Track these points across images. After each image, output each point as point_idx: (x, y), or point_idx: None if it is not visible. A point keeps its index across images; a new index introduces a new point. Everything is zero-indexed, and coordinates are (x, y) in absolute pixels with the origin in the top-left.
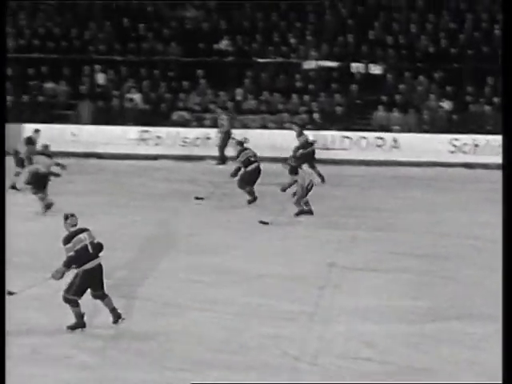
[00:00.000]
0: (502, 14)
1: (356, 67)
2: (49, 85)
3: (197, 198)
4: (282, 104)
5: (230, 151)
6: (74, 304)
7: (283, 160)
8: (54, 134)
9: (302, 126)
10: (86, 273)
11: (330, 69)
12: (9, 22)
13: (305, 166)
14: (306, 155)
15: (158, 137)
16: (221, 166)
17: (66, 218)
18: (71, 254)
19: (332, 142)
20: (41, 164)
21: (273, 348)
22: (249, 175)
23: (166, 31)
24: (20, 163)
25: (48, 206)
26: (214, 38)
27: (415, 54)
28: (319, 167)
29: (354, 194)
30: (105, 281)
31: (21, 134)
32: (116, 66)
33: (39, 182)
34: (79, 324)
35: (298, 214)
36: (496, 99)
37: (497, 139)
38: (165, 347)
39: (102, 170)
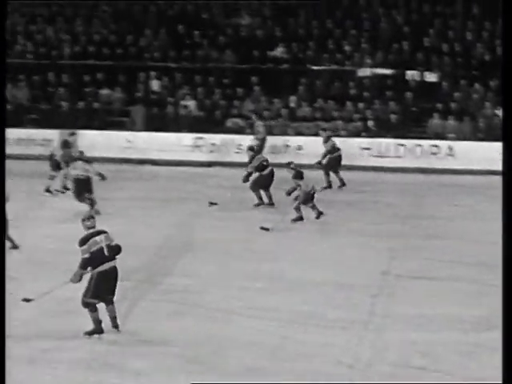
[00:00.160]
0: (502, 14)
1: (411, 75)
2: (104, 91)
3: (211, 204)
4: (337, 111)
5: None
6: (93, 308)
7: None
8: (109, 141)
9: (333, 131)
10: (100, 275)
11: (385, 76)
12: (64, 29)
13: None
14: (332, 160)
15: (213, 144)
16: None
17: (84, 219)
18: (86, 256)
19: (387, 149)
20: (79, 169)
21: (326, 356)
22: (264, 179)
23: (220, 38)
24: (55, 167)
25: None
26: (269, 46)
27: (471, 61)
28: (374, 174)
29: (408, 202)
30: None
31: (75, 140)
32: (171, 72)
33: (80, 187)
34: (97, 330)
35: (295, 220)
36: None
37: None
38: (217, 354)
39: (155, 176)
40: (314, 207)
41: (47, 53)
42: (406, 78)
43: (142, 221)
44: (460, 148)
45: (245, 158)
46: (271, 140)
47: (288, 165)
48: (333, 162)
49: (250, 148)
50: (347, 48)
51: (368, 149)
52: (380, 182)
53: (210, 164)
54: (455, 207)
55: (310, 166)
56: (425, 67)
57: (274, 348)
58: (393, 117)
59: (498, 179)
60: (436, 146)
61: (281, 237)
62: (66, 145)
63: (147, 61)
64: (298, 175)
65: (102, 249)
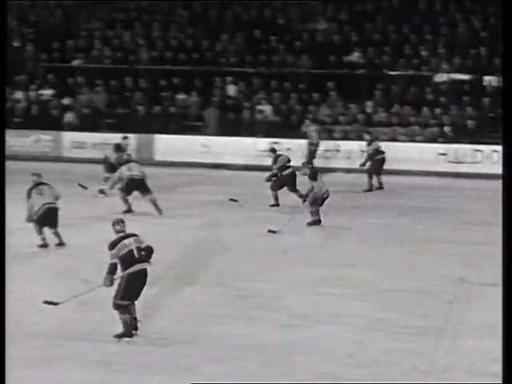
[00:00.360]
0: (502, 14)
1: (488, 80)
2: (180, 96)
3: (231, 200)
4: (413, 117)
5: (319, 163)
6: (124, 311)
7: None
8: (185, 145)
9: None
10: (130, 276)
11: (462, 82)
12: (141, 34)
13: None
14: (375, 163)
15: (288, 148)
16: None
17: (114, 223)
18: (113, 261)
19: (463, 155)
20: (134, 170)
21: (401, 362)
22: (284, 179)
23: (297, 43)
24: (110, 169)
25: (128, 211)
26: (345, 50)
27: None
28: (451, 180)
29: (484, 208)
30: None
31: (152, 145)
32: (247, 77)
33: (133, 187)
34: (126, 333)
35: (311, 224)
36: None
37: None
38: (292, 359)
39: (230, 181)
40: (316, 212)
41: (124, 58)
42: (484, 83)
43: (217, 225)
44: None
45: (320, 163)
46: (347, 145)
47: (304, 164)
48: (376, 165)
49: (271, 149)
50: (424, 53)
51: (444, 154)
52: (456, 188)
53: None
54: None
55: (385, 172)
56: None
57: (349, 354)
58: (470, 122)
59: None
60: None
61: (355, 243)
62: (118, 148)
63: (223, 66)
64: (313, 176)
65: (131, 251)
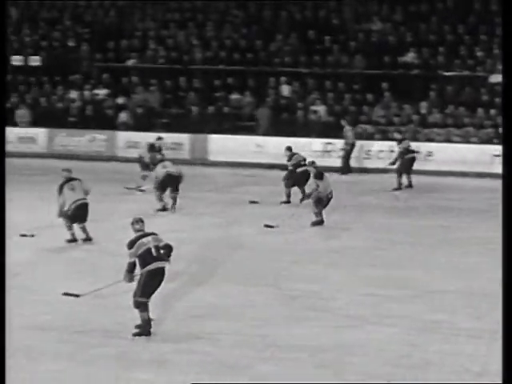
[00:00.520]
0: (502, 15)
1: None
2: (234, 96)
3: (252, 202)
4: (468, 118)
5: (354, 162)
6: (143, 308)
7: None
8: (239, 145)
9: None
10: (149, 273)
11: None
12: (196, 34)
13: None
14: (406, 162)
15: (342, 149)
16: (345, 176)
17: (133, 223)
18: (131, 260)
19: None
20: (169, 167)
21: (454, 365)
22: (297, 177)
23: (351, 44)
24: (145, 167)
25: (164, 208)
26: (400, 51)
27: None
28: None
29: None
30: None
31: (206, 145)
32: (301, 78)
33: (168, 183)
34: (145, 331)
35: (315, 224)
36: None
37: None
38: (344, 360)
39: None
40: (319, 213)
41: (179, 57)
42: None
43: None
44: None
45: (374, 164)
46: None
47: (310, 164)
48: (406, 164)
49: (288, 148)
50: (479, 54)
51: (500, 156)
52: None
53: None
54: None
55: (439, 173)
56: None
57: (401, 355)
58: None
59: None
60: None
61: (407, 244)
62: (152, 148)
63: (277, 66)
64: (319, 175)
65: (149, 249)
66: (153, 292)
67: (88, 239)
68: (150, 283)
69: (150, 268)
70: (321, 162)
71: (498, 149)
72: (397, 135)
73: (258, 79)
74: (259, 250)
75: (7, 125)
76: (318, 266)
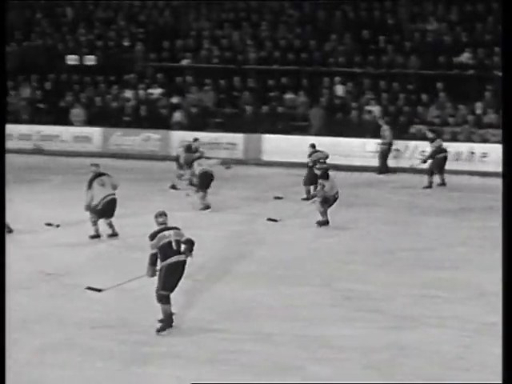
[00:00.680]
0: (502, 15)
1: None
2: (288, 96)
3: (276, 198)
4: None
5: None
6: (165, 301)
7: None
8: (292, 145)
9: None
10: (169, 266)
11: None
12: (250, 34)
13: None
14: (438, 161)
15: (397, 150)
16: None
17: (156, 216)
18: (153, 251)
19: None
20: (204, 165)
21: None
22: (313, 175)
23: (406, 44)
24: (181, 166)
25: (207, 207)
26: (455, 51)
27: None
28: None
29: None
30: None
31: (260, 145)
32: (355, 78)
33: (205, 180)
34: (167, 324)
35: (321, 224)
36: None
37: None
38: (397, 361)
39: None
40: (325, 212)
41: (233, 57)
42: None
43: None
44: None
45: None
46: (456, 147)
47: (316, 163)
48: (438, 163)
49: (311, 145)
50: None
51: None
52: None
53: (394, 170)
54: None
55: (494, 174)
56: None
57: (455, 357)
58: None
59: None
60: None
61: (457, 246)
62: (188, 149)
63: (332, 66)
64: (324, 175)
65: (170, 243)
66: (174, 285)
67: (114, 234)
68: (171, 277)
69: (170, 261)
70: (374, 162)
71: None
72: (429, 134)
73: (312, 79)
74: (313, 250)
75: (62, 124)
76: (373, 266)
